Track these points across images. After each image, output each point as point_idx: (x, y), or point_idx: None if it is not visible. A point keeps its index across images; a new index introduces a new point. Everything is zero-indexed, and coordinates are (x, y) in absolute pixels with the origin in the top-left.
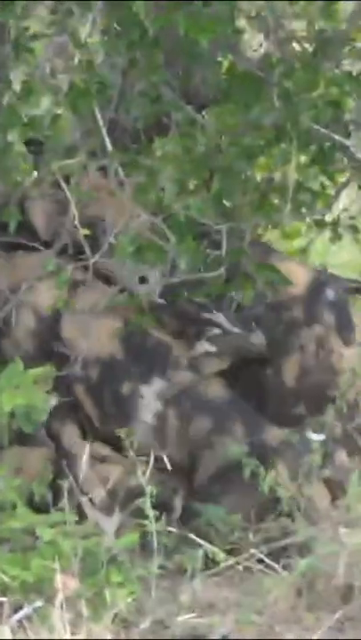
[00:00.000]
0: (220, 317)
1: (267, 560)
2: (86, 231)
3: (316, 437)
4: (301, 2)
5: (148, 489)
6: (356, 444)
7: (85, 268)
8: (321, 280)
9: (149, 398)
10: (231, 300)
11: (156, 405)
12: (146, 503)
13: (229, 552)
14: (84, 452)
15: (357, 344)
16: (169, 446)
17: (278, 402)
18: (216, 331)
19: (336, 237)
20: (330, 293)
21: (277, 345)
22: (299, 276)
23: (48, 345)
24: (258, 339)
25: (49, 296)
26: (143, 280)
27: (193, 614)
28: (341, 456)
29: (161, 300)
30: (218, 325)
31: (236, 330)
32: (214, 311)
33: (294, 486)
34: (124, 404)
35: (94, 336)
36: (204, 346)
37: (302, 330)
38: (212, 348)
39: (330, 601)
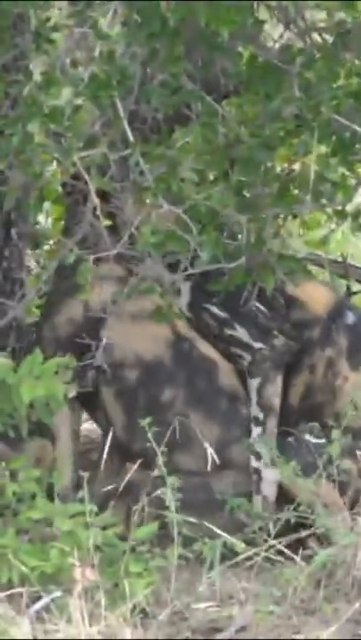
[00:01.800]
0: (242, 334)
1: (286, 551)
2: (108, 222)
3: (315, 441)
4: None
5: (170, 479)
6: None
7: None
8: (342, 302)
9: None
10: (255, 312)
11: None
12: (167, 493)
13: (248, 543)
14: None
15: None
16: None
17: (280, 417)
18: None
19: (357, 228)
20: (349, 317)
21: (291, 363)
22: (320, 297)
23: (82, 338)
24: (281, 342)
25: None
26: (171, 267)
27: (212, 605)
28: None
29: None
30: (240, 342)
31: (258, 345)
32: (237, 326)
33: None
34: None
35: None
36: None
37: (316, 350)
38: None
39: (348, 592)
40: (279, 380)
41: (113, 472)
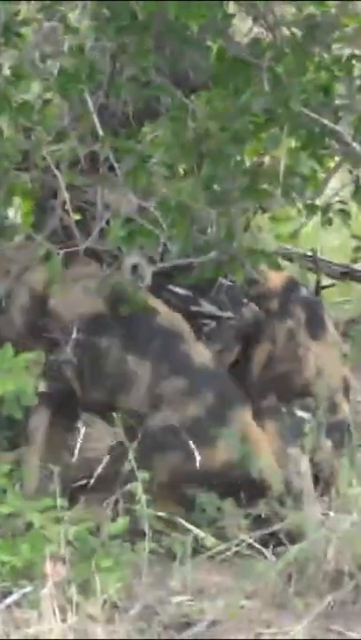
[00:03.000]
0: (208, 307)
1: (257, 545)
2: (77, 216)
3: (303, 415)
4: None
5: (141, 474)
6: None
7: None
8: (294, 278)
9: None
10: (219, 285)
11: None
12: (138, 488)
13: (219, 537)
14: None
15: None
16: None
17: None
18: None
19: (327, 222)
20: (303, 290)
21: (252, 334)
22: (276, 276)
23: (37, 322)
24: (250, 311)
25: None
26: (135, 268)
27: (183, 599)
28: (327, 442)
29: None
30: (209, 315)
31: (227, 314)
32: (202, 301)
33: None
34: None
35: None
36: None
37: (275, 322)
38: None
39: (319, 586)
40: (236, 350)
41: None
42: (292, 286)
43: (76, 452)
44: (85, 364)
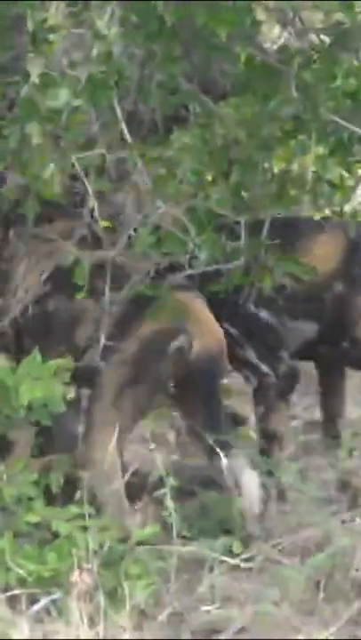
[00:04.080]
0: (250, 355)
1: (285, 552)
2: (105, 223)
3: None
4: None
5: (169, 480)
6: None
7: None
8: None
9: None
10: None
11: None
12: (166, 495)
13: (248, 543)
14: None
15: None
16: None
17: None
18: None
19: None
20: None
21: None
22: None
23: None
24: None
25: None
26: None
27: (211, 606)
28: None
29: None
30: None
31: (265, 368)
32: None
33: None
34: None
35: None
36: None
37: None
38: None
39: (347, 593)
40: (283, 407)
41: None
42: None
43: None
44: None
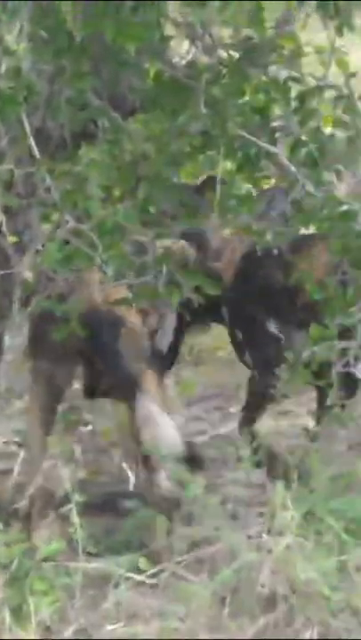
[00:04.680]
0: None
1: (191, 568)
2: (13, 238)
3: None
4: (230, 9)
5: (75, 496)
6: None
7: None
8: None
9: None
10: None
11: None
12: (72, 511)
13: (154, 559)
14: None
15: None
16: None
17: None
18: None
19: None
20: None
21: None
22: None
23: None
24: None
25: None
26: None
27: (117, 624)
28: None
29: None
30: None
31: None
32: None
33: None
34: None
35: None
36: None
37: None
38: None
39: (253, 609)
40: None
41: None
42: None
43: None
44: None
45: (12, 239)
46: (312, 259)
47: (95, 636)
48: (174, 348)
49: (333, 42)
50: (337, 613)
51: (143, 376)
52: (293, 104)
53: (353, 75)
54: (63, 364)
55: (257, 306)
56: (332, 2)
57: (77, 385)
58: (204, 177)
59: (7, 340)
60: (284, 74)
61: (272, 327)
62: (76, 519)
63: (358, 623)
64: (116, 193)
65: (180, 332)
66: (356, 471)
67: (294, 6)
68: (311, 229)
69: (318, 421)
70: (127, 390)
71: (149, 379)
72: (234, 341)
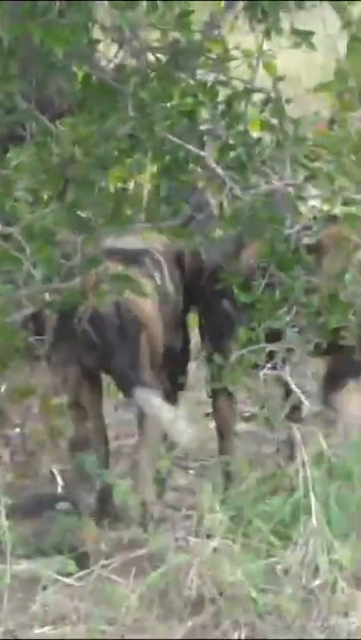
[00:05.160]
0: None
1: (119, 571)
2: None
3: None
4: (158, 12)
5: (2, 498)
6: None
7: None
8: None
9: None
10: None
11: None
12: (0, 513)
13: (83, 562)
14: None
15: None
16: None
17: None
18: None
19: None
20: None
21: None
22: None
23: None
24: None
25: None
26: None
27: (45, 626)
28: None
29: None
30: None
31: None
32: None
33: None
34: None
35: None
36: None
37: None
38: None
39: (181, 611)
40: None
41: None
42: None
43: None
44: None
45: None
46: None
47: (23, 639)
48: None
49: (261, 45)
50: (264, 615)
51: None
52: (221, 107)
53: (280, 78)
54: None
55: None
56: (259, 4)
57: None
58: None
59: None
60: (211, 77)
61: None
62: (4, 521)
63: (285, 625)
64: (44, 196)
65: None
66: (283, 473)
67: (222, 10)
68: None
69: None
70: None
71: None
72: None
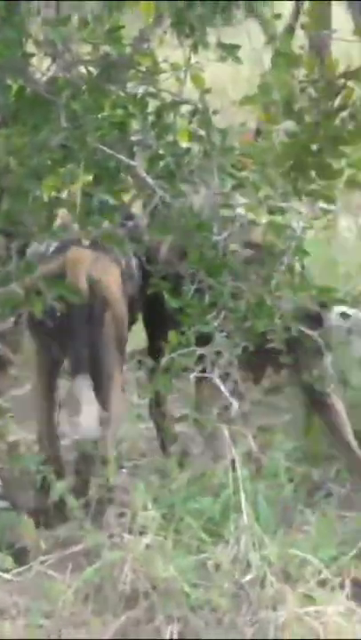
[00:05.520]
0: None
1: (55, 567)
2: None
3: None
4: (88, 27)
5: None
6: None
7: None
8: None
9: None
10: None
11: None
12: None
13: (21, 558)
14: None
15: None
16: None
17: None
18: None
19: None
20: None
21: None
22: None
23: None
24: None
25: None
26: None
27: None
28: None
29: None
30: None
31: None
32: None
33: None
34: None
35: None
36: None
37: None
38: None
39: (115, 606)
40: None
41: None
42: None
43: None
44: None
45: None
46: None
47: None
48: None
49: (189, 59)
50: (196, 610)
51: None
52: (151, 118)
53: (207, 90)
54: None
55: None
56: (186, 19)
57: None
58: None
59: None
60: (141, 89)
61: None
62: None
63: (217, 619)
64: None
65: None
66: (211, 473)
67: (151, 24)
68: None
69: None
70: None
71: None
72: None
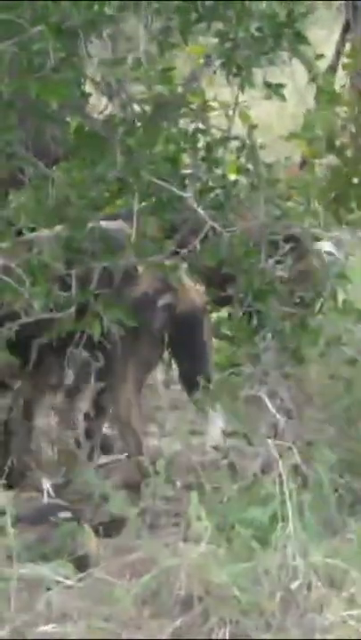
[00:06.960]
0: None
1: (115, 573)
2: None
3: None
4: (142, 68)
5: (9, 509)
6: None
7: None
8: None
9: None
10: None
11: None
12: (6, 520)
13: (83, 565)
14: None
15: None
16: None
17: None
18: None
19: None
20: None
21: None
22: None
23: None
24: None
25: None
26: None
27: (49, 624)
28: None
29: None
30: None
31: None
32: None
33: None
34: None
35: None
36: None
37: None
38: None
39: (171, 610)
40: None
41: None
42: None
43: None
44: None
45: None
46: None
47: (29, 636)
48: None
49: (237, 97)
50: (247, 613)
51: None
52: (201, 153)
53: (254, 127)
54: None
55: None
56: (234, 60)
57: None
58: None
59: None
60: (192, 126)
61: None
62: (10, 530)
63: (266, 622)
64: None
65: None
66: (260, 484)
67: (201, 65)
68: None
69: None
70: None
71: None
72: None
